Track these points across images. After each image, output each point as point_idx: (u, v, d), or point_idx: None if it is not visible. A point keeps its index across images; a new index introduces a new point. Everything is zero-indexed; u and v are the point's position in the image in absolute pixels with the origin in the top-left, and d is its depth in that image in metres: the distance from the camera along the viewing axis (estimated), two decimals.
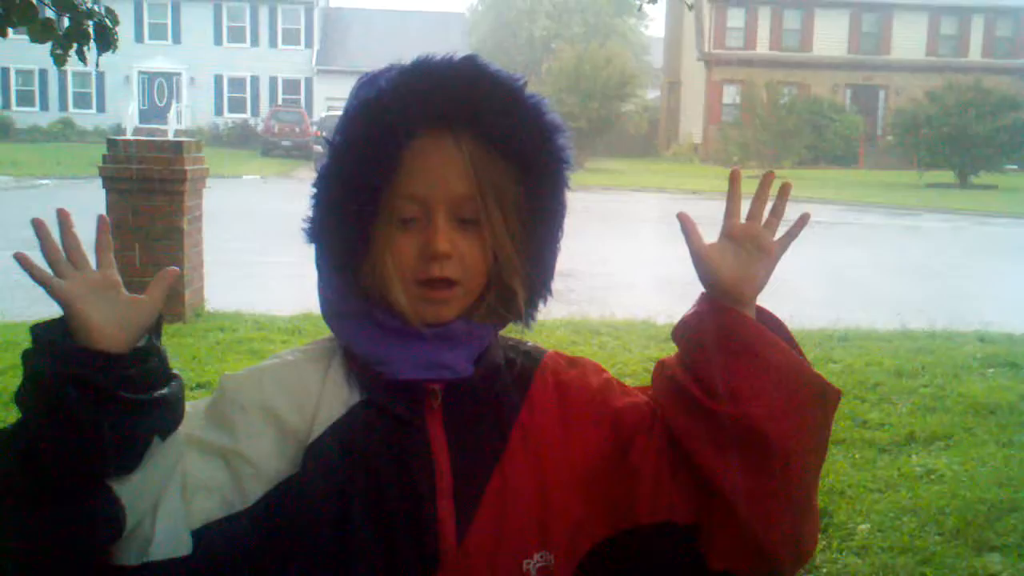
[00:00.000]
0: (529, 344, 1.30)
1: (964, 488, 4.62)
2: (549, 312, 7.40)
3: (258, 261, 12.02)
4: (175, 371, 1.10)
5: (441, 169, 1.12)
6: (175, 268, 1.13)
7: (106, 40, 4.28)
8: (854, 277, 13.06)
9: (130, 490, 1.04)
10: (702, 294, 1.24)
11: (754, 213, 1.25)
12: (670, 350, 5.17)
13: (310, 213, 1.17)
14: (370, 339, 1.17)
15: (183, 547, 1.09)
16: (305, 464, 1.14)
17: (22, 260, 1.08)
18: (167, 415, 1.07)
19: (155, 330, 1.10)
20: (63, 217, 1.09)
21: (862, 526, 4.14)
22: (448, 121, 1.12)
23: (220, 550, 1.11)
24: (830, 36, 42.18)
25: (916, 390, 6.43)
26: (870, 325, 8.77)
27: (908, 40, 41.98)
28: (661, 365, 1.27)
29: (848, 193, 27.41)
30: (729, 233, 1.24)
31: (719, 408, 1.17)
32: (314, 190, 1.16)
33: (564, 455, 1.22)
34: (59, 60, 4.22)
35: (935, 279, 13.01)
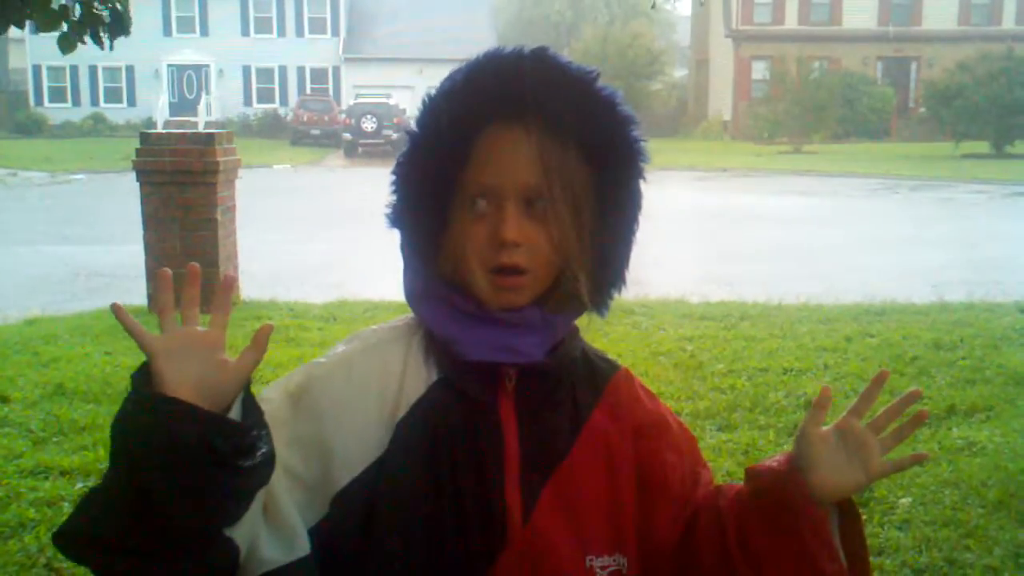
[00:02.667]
0: (607, 355, 1.34)
1: (1006, 460, 4.58)
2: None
3: (291, 250, 12.09)
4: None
5: (511, 159, 1.15)
6: (270, 324, 1.11)
7: (121, 25, 4.30)
8: (890, 251, 12.93)
9: (240, 530, 1.05)
10: (789, 454, 1.22)
11: (878, 425, 1.20)
12: (704, 329, 5.24)
13: (391, 199, 1.21)
14: (447, 321, 1.19)
15: (299, 549, 1.10)
16: (393, 442, 1.17)
17: (117, 311, 1.07)
18: (270, 469, 1.07)
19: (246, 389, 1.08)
20: (192, 272, 1.08)
21: (903, 500, 4.12)
22: (519, 112, 1.14)
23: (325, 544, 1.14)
24: (860, 9, 41.63)
25: (955, 362, 6.37)
26: (907, 298, 8.70)
27: (939, 10, 41.35)
28: (719, 491, 1.28)
29: (881, 166, 27.12)
30: (845, 428, 1.20)
31: (745, 573, 1.20)
32: (393, 177, 1.20)
33: (631, 464, 1.25)
34: (67, 46, 4.23)
35: (972, 250, 12.86)
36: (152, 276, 8.00)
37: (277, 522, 1.10)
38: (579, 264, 1.19)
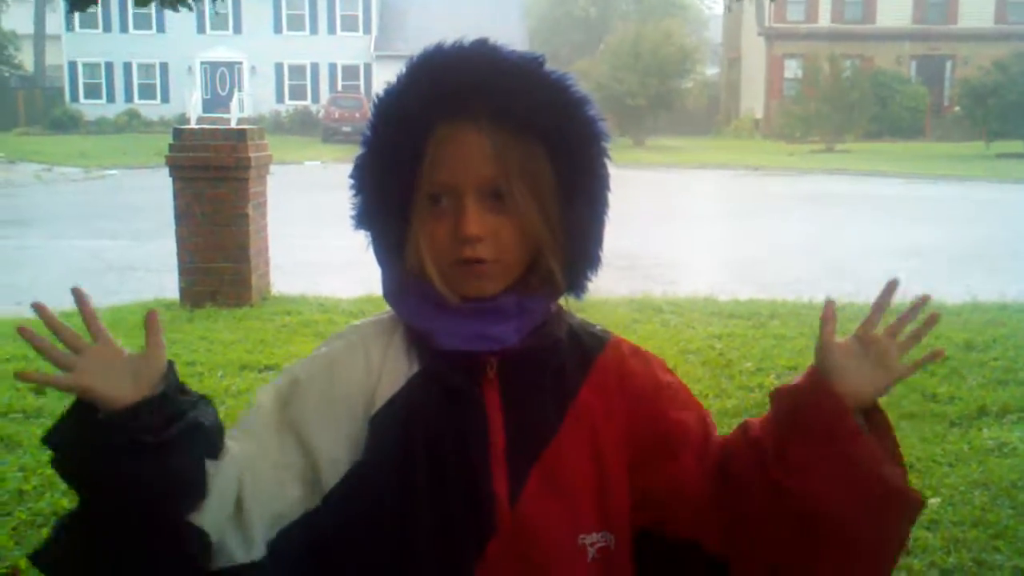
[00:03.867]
0: (597, 327, 1.33)
1: None
2: (611, 289, 7.42)
3: (321, 245, 12.15)
4: (197, 395, 1.14)
5: (464, 155, 1.15)
6: (155, 311, 1.16)
7: None
8: (921, 250, 12.82)
9: (208, 515, 1.09)
10: (811, 367, 1.22)
11: (894, 330, 1.21)
12: (733, 327, 5.24)
13: (353, 200, 1.23)
14: (423, 314, 1.21)
15: (255, 552, 1.14)
16: (369, 438, 1.18)
17: (23, 378, 1.12)
18: (206, 438, 1.11)
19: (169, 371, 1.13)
20: (78, 296, 1.13)
21: (932, 500, 4.09)
22: (466, 107, 1.15)
23: (297, 546, 1.17)
24: (894, 6, 41.27)
25: (987, 363, 6.31)
26: (939, 298, 8.62)
27: (975, 8, 40.90)
28: (747, 425, 1.27)
29: (914, 165, 26.88)
30: (862, 337, 1.21)
31: (791, 486, 1.17)
32: (352, 180, 1.23)
33: (619, 439, 1.24)
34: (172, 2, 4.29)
35: (1005, 250, 12.73)
36: (184, 271, 8.08)
37: (242, 521, 1.13)
38: (550, 250, 1.19)
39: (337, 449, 1.17)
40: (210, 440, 1.11)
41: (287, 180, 17.41)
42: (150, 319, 1.13)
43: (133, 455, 1.04)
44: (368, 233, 1.24)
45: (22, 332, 1.10)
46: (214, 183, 8.09)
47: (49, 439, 1.08)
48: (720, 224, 15.97)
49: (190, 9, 4.35)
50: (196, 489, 1.08)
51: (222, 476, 1.10)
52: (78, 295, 1.12)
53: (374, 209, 1.21)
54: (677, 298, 8.63)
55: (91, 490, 1.08)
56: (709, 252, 12.88)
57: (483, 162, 1.15)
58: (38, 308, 1.10)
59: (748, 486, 1.20)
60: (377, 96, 1.21)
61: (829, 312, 1.23)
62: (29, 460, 4.45)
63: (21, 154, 29.77)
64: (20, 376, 1.11)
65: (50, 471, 4.28)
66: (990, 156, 30.22)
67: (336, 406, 1.19)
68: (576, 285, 1.24)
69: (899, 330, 1.21)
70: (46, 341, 1.11)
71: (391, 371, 1.21)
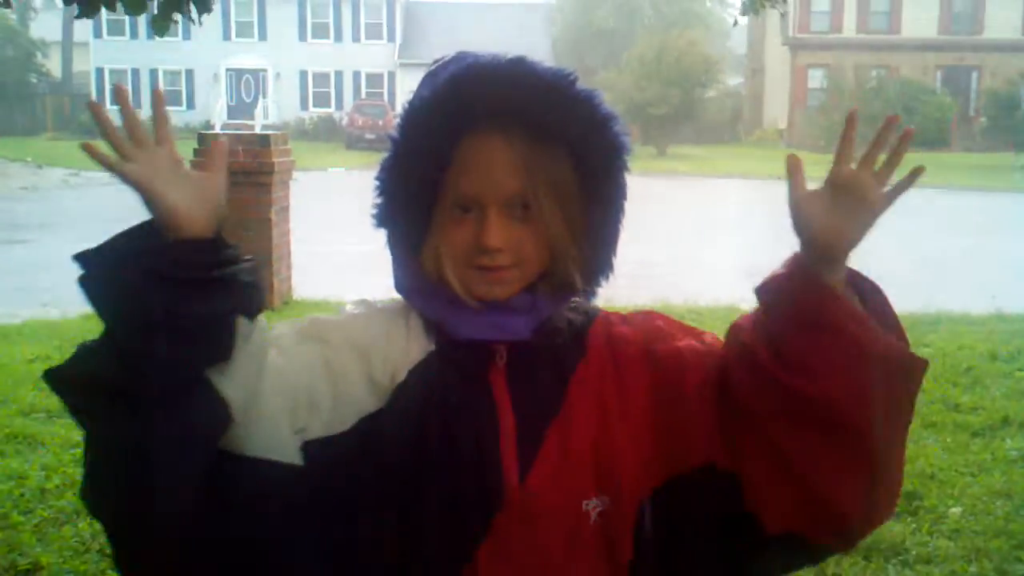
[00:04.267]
0: (589, 305, 1.34)
1: None
2: (631, 297, 7.43)
3: (343, 250, 12.20)
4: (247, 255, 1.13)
5: (491, 167, 1.17)
6: (223, 140, 1.16)
7: (204, 2, 4.39)
8: (946, 260, 12.74)
9: (230, 381, 1.08)
10: (793, 254, 1.20)
11: (868, 160, 1.17)
12: None
13: (376, 200, 1.25)
14: (438, 308, 1.23)
15: (289, 455, 1.14)
16: (392, 402, 1.20)
17: (89, 149, 1.09)
18: (248, 294, 1.10)
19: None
20: (121, 94, 1.12)
21: (954, 509, 4.07)
22: (498, 120, 1.16)
23: (321, 467, 1.16)
24: (920, 17, 41.03)
25: (1011, 373, 6.27)
26: (963, 309, 8.57)
27: (1002, 19, 40.59)
28: (737, 328, 1.26)
29: (939, 176, 26.66)
30: (834, 179, 1.17)
31: (792, 382, 1.14)
32: (377, 182, 1.25)
33: (620, 406, 1.26)
34: (161, 29, 4.33)
35: None
36: None
37: (260, 418, 1.13)
38: (571, 258, 1.22)
39: (352, 390, 1.20)
40: (251, 298, 1.11)
41: (310, 186, 17.50)
42: (217, 147, 1.15)
43: (184, 287, 1.04)
44: (388, 232, 1.26)
45: (85, 147, 1.09)
46: (238, 188, 8.13)
47: (95, 255, 1.08)
48: (741, 233, 15.90)
49: (192, 21, 4.39)
50: (224, 343, 1.07)
51: (249, 349, 1.10)
52: (157, 97, 1.14)
53: (396, 210, 1.23)
54: (698, 306, 8.61)
55: (116, 315, 1.06)
56: (730, 261, 12.83)
57: (510, 174, 1.17)
58: (93, 107, 1.09)
59: (749, 391, 1.18)
60: (410, 101, 1.22)
61: (793, 163, 1.19)
62: (51, 459, 4.49)
63: (49, 159, 30.03)
64: (84, 145, 1.08)
65: (72, 470, 4.32)
66: (1017, 167, 29.97)
67: (355, 355, 1.21)
68: (588, 292, 1.28)
69: (873, 159, 1.18)
70: (111, 122, 1.10)
71: (414, 343, 1.24)
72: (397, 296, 1.30)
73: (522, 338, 1.22)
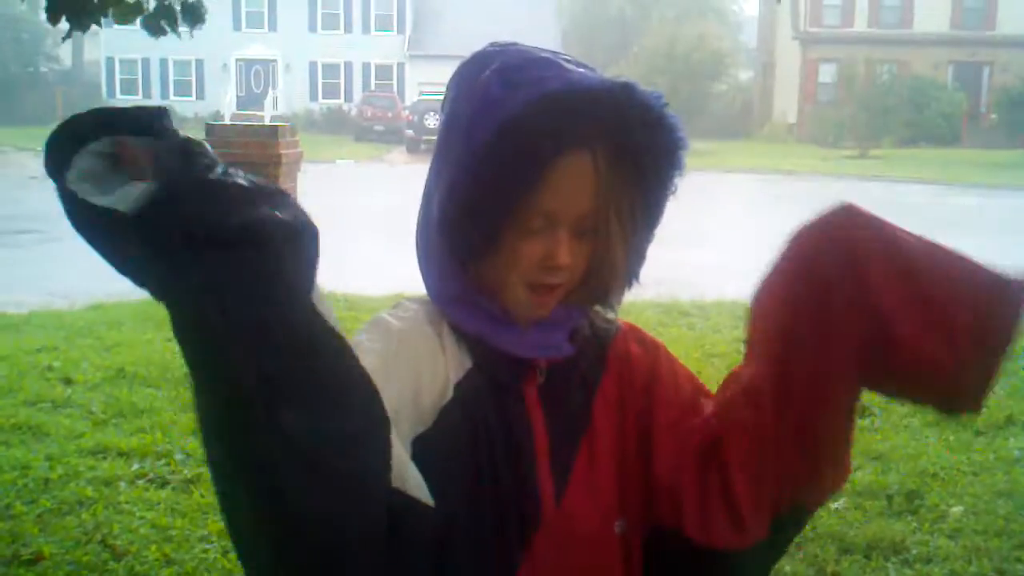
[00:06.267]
0: (612, 317, 1.34)
1: None
2: (638, 293, 7.41)
3: (350, 243, 12.21)
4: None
5: (576, 189, 1.15)
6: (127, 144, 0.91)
7: (194, 15, 4.40)
8: None
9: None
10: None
11: None
12: None
13: (446, 205, 1.17)
14: (480, 323, 1.20)
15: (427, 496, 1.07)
16: (438, 422, 1.16)
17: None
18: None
19: None
20: None
21: (955, 508, 4.06)
22: (591, 142, 1.14)
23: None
24: (931, 12, 40.85)
25: (1015, 372, 6.22)
26: None
27: (1015, 15, 40.35)
28: (735, 377, 1.24)
29: (949, 173, 26.61)
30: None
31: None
32: (447, 187, 1.17)
33: (636, 426, 1.26)
34: (154, 31, 4.35)
35: None
36: None
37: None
38: (618, 277, 1.23)
39: (408, 410, 1.13)
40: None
41: (319, 178, 17.49)
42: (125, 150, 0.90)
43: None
44: (447, 238, 1.18)
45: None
46: None
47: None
48: (750, 229, 15.87)
49: (177, 34, 4.41)
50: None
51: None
52: None
53: (460, 219, 1.16)
54: (704, 302, 8.60)
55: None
56: (738, 256, 12.80)
57: (589, 196, 1.16)
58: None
59: (758, 439, 1.17)
60: (504, 104, 1.13)
61: None
62: (55, 449, 4.51)
63: None
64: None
65: (75, 460, 4.34)
66: None
67: (412, 367, 1.16)
68: (616, 300, 1.29)
69: None
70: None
71: (452, 360, 1.20)
72: (419, 296, 1.26)
73: (566, 353, 1.22)
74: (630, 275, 1.26)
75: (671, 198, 1.24)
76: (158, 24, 4.33)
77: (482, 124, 1.14)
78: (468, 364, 1.21)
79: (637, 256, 1.25)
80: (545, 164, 1.12)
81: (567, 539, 1.19)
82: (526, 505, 1.18)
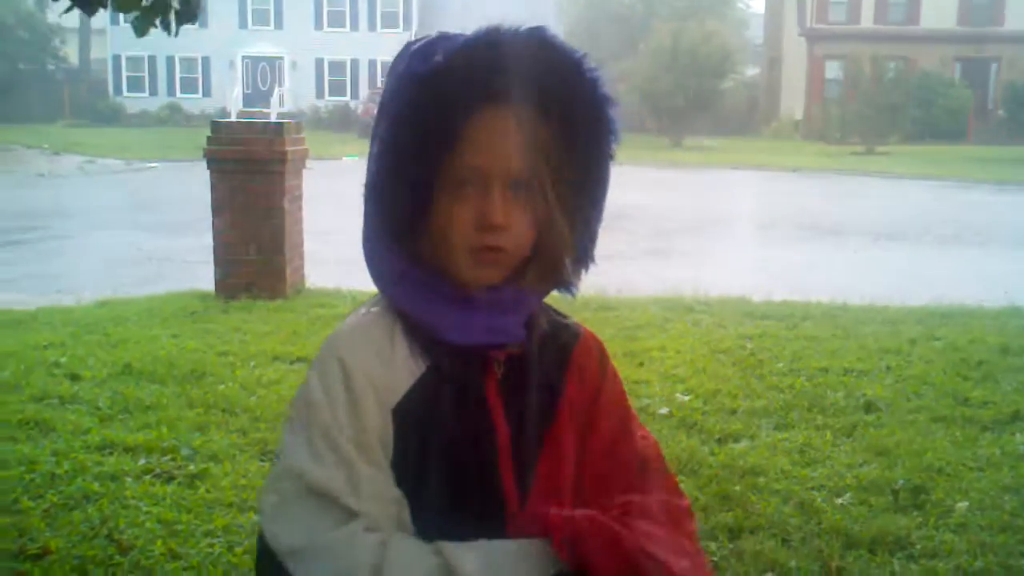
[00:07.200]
0: (570, 320, 1.33)
1: None
2: (643, 288, 7.41)
3: (355, 239, 12.23)
4: None
5: (501, 142, 1.14)
6: None
7: (189, 12, 4.39)
8: (959, 253, 12.68)
9: None
10: None
11: None
12: (765, 328, 5.23)
13: (369, 178, 1.19)
14: (429, 306, 1.19)
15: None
16: (394, 435, 1.17)
17: None
18: None
19: None
20: None
21: (960, 504, 4.05)
22: (510, 94, 1.13)
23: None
24: (938, 7, 40.74)
25: (1023, 368, 6.23)
26: (976, 302, 8.52)
27: (1022, 10, 40.29)
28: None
29: (956, 169, 26.54)
30: None
31: None
32: (372, 156, 1.19)
33: (592, 433, 1.26)
34: (141, 30, 4.33)
35: None
36: (220, 263, 8.16)
37: None
38: (565, 246, 1.20)
39: (377, 427, 1.16)
40: None
41: (324, 175, 17.50)
42: None
43: None
44: (376, 212, 1.19)
45: None
46: (251, 176, 8.16)
47: None
48: (754, 225, 15.88)
49: (168, 32, 4.40)
50: None
51: None
52: None
53: (394, 188, 1.16)
54: (709, 298, 8.59)
55: None
56: (743, 252, 12.80)
57: (517, 151, 1.14)
58: None
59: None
60: (409, 73, 1.15)
61: None
62: (62, 445, 4.52)
63: (65, 146, 30.19)
64: None
65: (82, 456, 4.35)
66: None
67: (373, 387, 1.17)
68: (573, 283, 1.25)
69: None
70: None
71: (401, 364, 1.18)
72: (372, 299, 1.25)
73: (517, 339, 1.20)
74: (583, 254, 1.23)
75: (609, 168, 1.22)
76: (149, 21, 4.31)
77: (399, 94, 1.15)
78: (423, 367, 1.19)
79: (585, 230, 1.22)
80: (461, 118, 1.12)
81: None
82: (490, 507, 1.18)
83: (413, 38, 1.16)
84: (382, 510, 1.13)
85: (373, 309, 1.25)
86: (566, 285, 1.24)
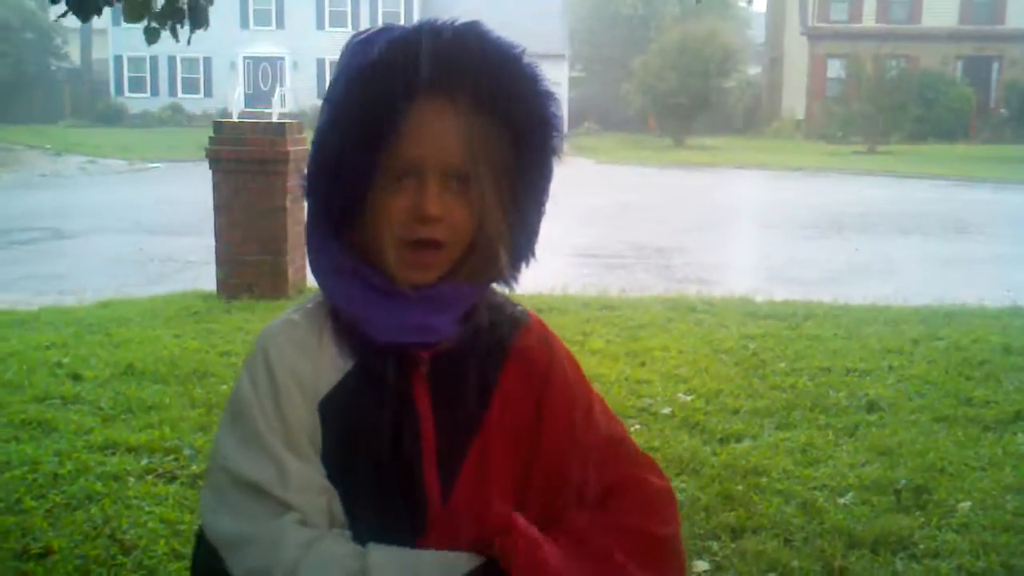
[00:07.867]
0: (518, 308, 1.32)
1: None
2: (645, 288, 7.41)
3: None
4: None
5: (438, 134, 1.14)
6: None
7: (199, 18, 4.40)
8: (961, 253, 12.67)
9: None
10: None
11: None
12: (768, 328, 5.24)
13: (307, 169, 1.19)
14: (358, 299, 1.19)
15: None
16: (321, 431, 1.18)
17: None
18: None
19: None
20: None
21: (963, 504, 4.05)
22: (449, 87, 1.13)
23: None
24: (940, 6, 40.71)
25: None
26: (979, 301, 8.52)
27: None
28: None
29: (958, 168, 26.52)
30: None
31: None
32: (311, 148, 1.20)
33: (536, 425, 1.25)
34: (151, 37, 4.35)
35: None
36: (222, 263, 8.17)
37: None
38: (502, 240, 1.19)
39: (305, 424, 1.18)
40: None
41: None
42: None
43: None
44: (314, 202, 1.20)
45: None
46: (252, 176, 8.16)
47: None
48: (757, 225, 15.86)
49: (176, 38, 4.41)
50: None
51: None
52: None
53: (329, 180, 1.17)
54: (711, 297, 8.59)
55: None
56: (745, 252, 12.80)
57: (453, 143, 1.14)
58: None
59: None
60: (346, 65, 1.17)
61: None
62: (65, 445, 4.52)
63: (67, 146, 30.22)
64: None
65: (85, 456, 4.36)
66: None
67: (296, 381, 1.18)
68: (511, 277, 1.24)
69: None
70: None
71: (328, 361, 1.20)
72: (312, 296, 1.26)
73: (447, 337, 1.19)
74: (523, 248, 1.22)
75: (551, 163, 1.22)
76: (159, 28, 4.33)
77: (336, 86, 1.17)
78: (349, 365, 1.20)
79: (524, 225, 1.21)
80: (399, 110, 1.12)
81: (455, 539, 1.16)
82: (413, 505, 1.17)
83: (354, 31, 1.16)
84: (312, 501, 1.14)
85: (308, 305, 1.26)
86: (503, 279, 1.24)
